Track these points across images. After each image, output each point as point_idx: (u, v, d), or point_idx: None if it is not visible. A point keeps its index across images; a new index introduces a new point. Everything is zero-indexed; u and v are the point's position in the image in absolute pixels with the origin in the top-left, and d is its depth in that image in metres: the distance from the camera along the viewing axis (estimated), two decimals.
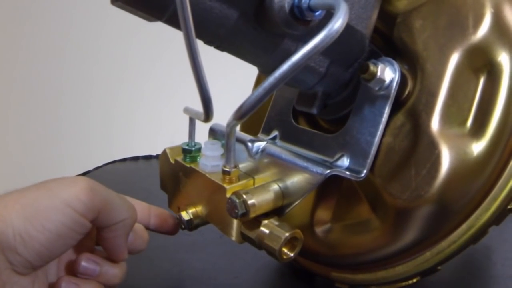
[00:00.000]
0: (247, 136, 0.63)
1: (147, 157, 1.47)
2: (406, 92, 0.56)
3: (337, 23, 0.41)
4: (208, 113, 0.46)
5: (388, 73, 0.55)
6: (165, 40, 2.08)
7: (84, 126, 2.78)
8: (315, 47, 0.42)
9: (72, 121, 2.77)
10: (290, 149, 0.61)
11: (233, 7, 0.46)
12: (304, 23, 0.47)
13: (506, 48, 0.52)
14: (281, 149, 0.59)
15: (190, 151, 0.63)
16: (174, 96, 2.48)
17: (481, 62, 0.53)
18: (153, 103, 2.55)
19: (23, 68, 2.69)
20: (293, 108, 0.67)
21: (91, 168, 1.37)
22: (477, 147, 0.51)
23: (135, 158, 1.46)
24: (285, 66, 0.43)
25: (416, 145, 0.53)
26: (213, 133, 0.68)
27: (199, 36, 0.43)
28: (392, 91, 0.55)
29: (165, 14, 0.44)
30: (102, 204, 0.57)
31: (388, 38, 0.60)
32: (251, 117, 0.76)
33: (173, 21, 0.45)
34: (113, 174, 1.34)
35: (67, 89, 2.67)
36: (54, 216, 0.53)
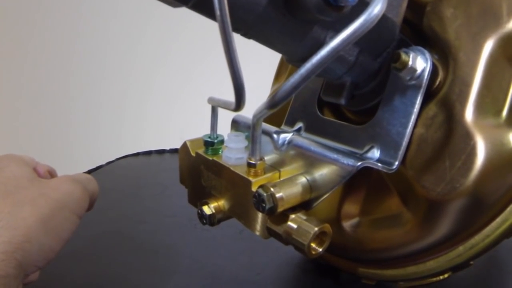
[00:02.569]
0: (272, 128, 0.61)
1: (160, 152, 1.46)
2: (437, 82, 0.55)
3: (377, 8, 0.40)
4: (240, 102, 0.44)
5: (419, 62, 0.53)
6: (175, 35, 2.08)
7: (95, 121, 2.78)
8: (354, 32, 0.41)
9: (83, 116, 2.77)
10: (317, 141, 0.59)
11: None
12: (337, 9, 0.44)
13: None
14: (309, 141, 0.57)
15: (213, 144, 0.61)
16: (183, 90, 2.48)
17: None
18: (163, 97, 2.54)
19: (35, 64, 2.70)
20: (318, 99, 0.66)
21: (103, 163, 1.37)
22: None
23: (148, 153, 1.45)
24: (323, 52, 0.42)
25: (450, 136, 0.51)
26: (236, 124, 0.67)
27: None
28: (424, 81, 0.53)
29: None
30: (92, 199, 0.63)
31: (417, 28, 0.58)
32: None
33: (199, 7, 0.43)
34: (127, 169, 1.34)
35: (78, 84, 2.67)
36: (67, 226, 0.57)
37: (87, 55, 2.58)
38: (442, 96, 0.53)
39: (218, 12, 0.37)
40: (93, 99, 2.70)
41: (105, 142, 2.81)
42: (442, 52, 0.55)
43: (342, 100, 0.60)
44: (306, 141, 0.57)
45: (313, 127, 0.64)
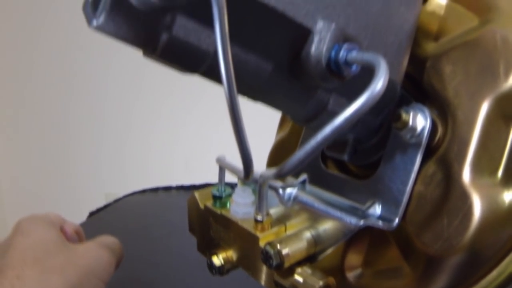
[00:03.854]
0: (277, 183, 0.63)
1: (167, 188, 1.46)
2: (436, 139, 0.56)
3: (379, 84, 0.41)
4: (248, 172, 0.45)
5: (419, 120, 0.55)
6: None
7: (99, 157, 2.80)
8: (358, 110, 0.41)
9: (87, 152, 2.79)
10: (320, 195, 0.62)
11: (268, 60, 0.47)
12: (340, 77, 0.47)
13: None
14: (313, 197, 0.59)
15: (221, 197, 0.64)
16: (186, 120, 2.49)
17: None
18: (166, 128, 2.56)
19: (43, 100, 2.73)
20: (322, 152, 0.67)
21: (111, 200, 1.38)
22: (508, 196, 0.52)
23: (155, 190, 1.46)
24: (327, 129, 0.43)
25: (448, 195, 0.53)
26: None
27: None
28: (424, 139, 0.55)
29: (201, 68, 0.44)
30: (118, 263, 0.64)
31: (418, 83, 0.60)
32: (278, 154, 0.76)
33: (209, 74, 0.45)
34: (134, 207, 1.34)
35: (82, 120, 2.69)
36: None
37: (90, 89, 2.61)
38: (441, 154, 0.55)
39: (225, 86, 0.39)
40: (95, 136, 2.73)
41: (111, 174, 2.82)
42: (441, 109, 0.57)
43: (345, 156, 0.62)
44: (311, 197, 0.59)
45: (317, 180, 0.66)
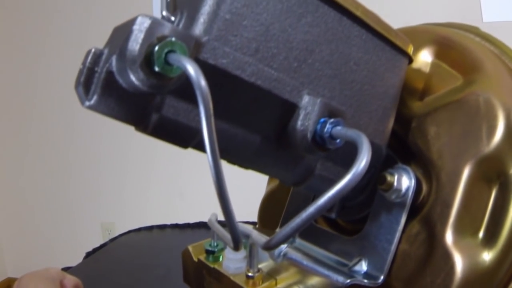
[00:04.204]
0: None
1: (161, 227, 1.46)
2: (421, 197, 0.58)
3: (362, 165, 0.42)
4: (237, 245, 0.46)
5: (404, 181, 0.57)
6: None
7: (95, 187, 2.81)
8: (341, 190, 0.42)
9: (83, 182, 2.80)
10: (309, 250, 0.63)
11: (256, 133, 0.49)
12: (324, 150, 0.48)
13: None
14: (302, 254, 0.61)
15: (213, 252, 0.65)
16: (182, 152, 2.50)
17: (494, 173, 0.55)
18: (162, 160, 2.57)
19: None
20: None
21: (107, 239, 1.38)
22: (488, 256, 0.53)
23: (150, 228, 1.46)
24: (312, 209, 0.43)
25: (431, 254, 0.54)
26: None
27: (223, 158, 0.45)
28: (408, 199, 0.57)
29: (191, 144, 0.46)
30: None
31: (403, 141, 0.61)
32: (270, 204, 0.77)
33: (199, 147, 0.47)
34: (130, 247, 1.34)
35: (81, 154, 2.71)
36: None
37: (89, 127, 2.62)
38: (425, 214, 0.56)
39: (211, 168, 0.39)
40: (93, 165, 2.74)
41: (106, 204, 2.83)
42: (425, 169, 0.58)
43: (333, 214, 0.63)
44: (300, 254, 0.61)
45: (306, 234, 0.67)
